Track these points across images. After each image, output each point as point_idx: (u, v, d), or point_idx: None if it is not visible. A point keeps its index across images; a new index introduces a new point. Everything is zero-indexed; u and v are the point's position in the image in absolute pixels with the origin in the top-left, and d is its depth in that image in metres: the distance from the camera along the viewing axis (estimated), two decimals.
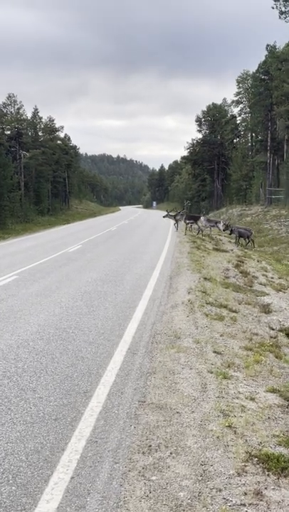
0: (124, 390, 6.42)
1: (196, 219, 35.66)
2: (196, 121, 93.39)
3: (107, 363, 7.40)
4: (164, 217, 39.54)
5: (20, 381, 6.67)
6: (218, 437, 5.21)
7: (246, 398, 6.33)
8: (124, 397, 6.19)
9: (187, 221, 35.51)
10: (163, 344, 8.41)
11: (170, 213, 39.46)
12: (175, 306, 11.37)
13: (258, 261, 25.05)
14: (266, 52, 62.26)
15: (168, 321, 9.97)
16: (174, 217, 38.51)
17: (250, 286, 16.95)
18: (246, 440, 5.20)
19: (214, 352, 8.02)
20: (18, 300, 11.95)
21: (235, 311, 11.82)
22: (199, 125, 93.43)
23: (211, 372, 7.05)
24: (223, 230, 34.33)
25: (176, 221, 37.39)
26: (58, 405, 5.92)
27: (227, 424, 5.48)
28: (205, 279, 15.32)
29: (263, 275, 20.07)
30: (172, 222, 37.82)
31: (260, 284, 17.99)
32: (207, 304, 11.83)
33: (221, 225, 35.93)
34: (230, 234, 33.72)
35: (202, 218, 36.44)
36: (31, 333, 9.00)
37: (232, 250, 26.97)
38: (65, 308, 11.03)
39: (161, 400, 6.08)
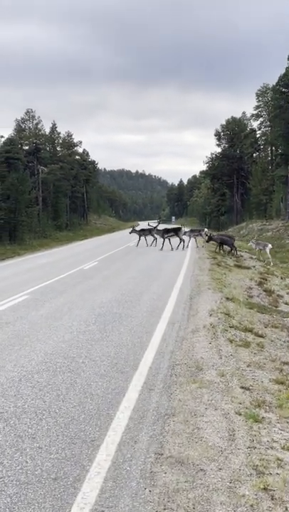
0: (138, 437, 5.47)
1: (176, 231, 34.58)
2: (215, 135, 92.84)
3: (119, 402, 6.46)
4: (130, 233, 38.01)
5: (18, 425, 5.75)
6: (252, 505, 4.24)
7: (282, 448, 5.35)
8: (137, 447, 5.25)
9: (166, 235, 34.19)
10: (183, 377, 7.46)
11: (135, 228, 38.27)
12: (196, 330, 10.42)
13: (281, 278, 24.05)
14: (286, 65, 61.42)
15: (188, 349, 9.02)
16: (143, 232, 36.80)
17: (276, 307, 15.97)
18: (286, 508, 4.23)
19: (241, 387, 7.05)
20: (26, 323, 11.08)
21: (261, 336, 10.84)
22: (218, 139, 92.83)
23: (239, 414, 6.08)
24: (207, 241, 33.95)
25: (155, 238, 35.57)
26: (59, 459, 4.99)
27: (262, 487, 4.51)
28: (227, 298, 14.37)
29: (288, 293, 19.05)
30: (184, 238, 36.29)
31: (286, 303, 17.01)
32: (231, 327, 10.87)
33: (203, 233, 35.74)
34: (207, 242, 33.72)
35: (183, 229, 35.70)
36: (36, 364, 8.10)
37: (254, 267, 25.97)
38: (76, 334, 10.13)
39: (182, 453, 5.12)
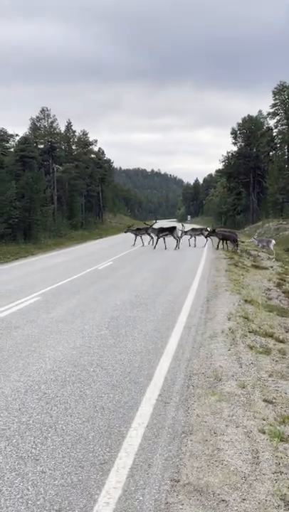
0: (152, 460, 4.95)
1: (171, 230, 34.19)
2: (232, 133, 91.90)
3: (132, 417, 5.95)
4: (125, 232, 37.98)
5: (20, 444, 5.26)
6: None
7: None
8: (151, 472, 4.73)
9: (160, 234, 33.89)
10: (201, 389, 6.93)
11: (131, 228, 38.10)
12: (214, 335, 9.88)
13: None
14: None
15: (206, 357, 8.49)
16: (138, 231, 36.60)
17: None
18: None
19: (264, 400, 6.51)
20: (35, 328, 10.61)
21: (282, 341, 10.26)
22: (234, 138, 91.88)
23: (263, 432, 5.55)
24: (207, 236, 34.65)
25: (152, 237, 34.92)
26: (64, 485, 4.49)
27: None
28: (245, 301, 13.80)
29: None
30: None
31: None
32: (250, 332, 10.31)
33: (206, 233, 35.75)
34: (208, 236, 34.81)
35: (178, 227, 35.39)
36: (44, 373, 7.61)
37: (271, 267, 25.32)
38: (87, 339, 9.63)
39: (201, 479, 4.59)
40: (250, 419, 5.91)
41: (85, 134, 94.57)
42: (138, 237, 35.80)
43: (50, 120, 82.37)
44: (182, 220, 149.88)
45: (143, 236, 35.84)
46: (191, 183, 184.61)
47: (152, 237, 34.83)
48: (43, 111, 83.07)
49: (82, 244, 40.72)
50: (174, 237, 33.45)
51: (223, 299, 14.01)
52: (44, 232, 56.00)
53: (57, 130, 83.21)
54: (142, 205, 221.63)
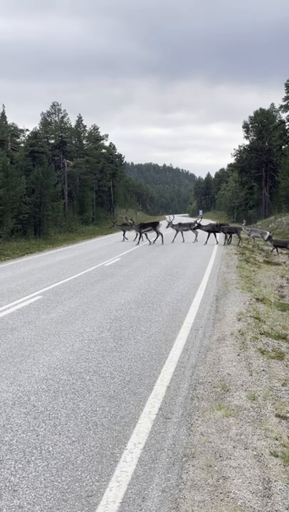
0: (147, 491, 4.29)
1: (154, 225, 33.61)
2: (243, 127, 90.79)
3: (128, 436, 5.30)
4: (110, 228, 37.60)
5: None
6: None
7: None
8: (145, 507, 4.07)
9: (142, 230, 33.44)
10: (207, 402, 6.26)
11: (117, 224, 37.69)
12: (222, 338, 9.21)
13: None
14: None
15: (213, 363, 7.82)
16: (125, 226, 36.64)
17: None
18: None
19: (277, 416, 5.83)
20: (33, 329, 9.99)
21: None
22: (246, 131, 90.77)
23: (276, 455, 4.87)
24: (194, 228, 34.13)
25: (137, 233, 34.37)
26: None
27: None
28: (257, 299, 13.12)
29: None
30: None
31: None
32: (262, 334, 9.62)
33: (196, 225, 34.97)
34: (194, 229, 34.24)
35: (161, 223, 34.91)
36: (36, 381, 6.97)
37: (284, 263, 24.56)
38: (86, 342, 8.99)
39: None
40: (260, 438, 5.24)
41: (95, 128, 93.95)
42: (138, 233, 35.26)
43: (60, 115, 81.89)
44: (194, 214, 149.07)
45: (130, 231, 35.42)
46: (203, 178, 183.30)
47: (137, 234, 34.41)
48: (53, 106, 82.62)
49: (92, 240, 40.08)
50: (157, 232, 33.19)
51: (233, 297, 13.34)
52: (55, 227, 55.59)
53: (67, 125, 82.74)
54: (154, 200, 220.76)
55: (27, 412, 5.91)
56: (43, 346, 8.74)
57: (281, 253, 28.82)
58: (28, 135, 69.28)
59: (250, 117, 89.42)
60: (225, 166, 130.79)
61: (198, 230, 34.42)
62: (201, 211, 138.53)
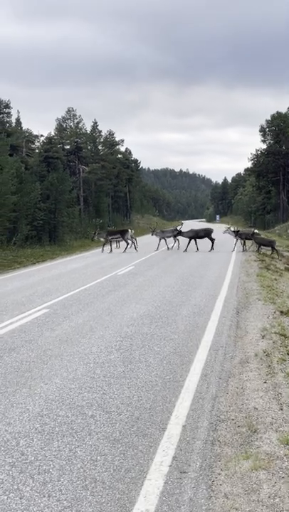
0: None
1: (122, 233, 33.25)
2: (260, 131, 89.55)
3: (133, 500, 4.24)
4: (92, 237, 37.75)
5: None
6: None
7: None
8: None
9: (110, 237, 33.19)
10: (230, 447, 5.19)
11: (99, 232, 37.58)
12: (245, 361, 8.14)
13: None
14: None
15: (236, 393, 6.74)
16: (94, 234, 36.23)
17: None
18: None
19: None
20: (34, 350, 8.98)
21: None
22: (263, 135, 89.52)
23: None
24: (175, 235, 33.11)
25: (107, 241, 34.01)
26: None
27: None
28: (281, 312, 12.02)
29: None
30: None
31: None
32: None
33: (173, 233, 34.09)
34: (175, 236, 33.06)
35: (130, 231, 34.28)
36: (29, 419, 5.94)
37: None
38: (92, 366, 7.96)
39: None
40: None
41: (111, 134, 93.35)
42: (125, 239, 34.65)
43: (76, 120, 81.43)
44: (211, 220, 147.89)
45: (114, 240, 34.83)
46: (220, 183, 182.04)
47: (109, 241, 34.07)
48: (68, 111, 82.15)
49: (107, 246, 39.00)
50: (125, 240, 32.98)
51: (255, 310, 12.26)
52: (70, 233, 54.83)
53: (83, 130, 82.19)
54: (171, 206, 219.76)
55: (13, 463, 4.89)
56: (42, 372, 7.72)
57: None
58: (43, 141, 68.76)
59: (267, 121, 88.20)
60: (241, 171, 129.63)
61: (178, 237, 33.59)
62: (218, 216, 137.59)
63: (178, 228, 33.14)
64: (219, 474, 4.65)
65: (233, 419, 5.86)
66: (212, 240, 31.32)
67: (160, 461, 4.88)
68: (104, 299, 14.12)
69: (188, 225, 35.55)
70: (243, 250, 30.37)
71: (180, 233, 32.55)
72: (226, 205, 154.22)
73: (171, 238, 33.72)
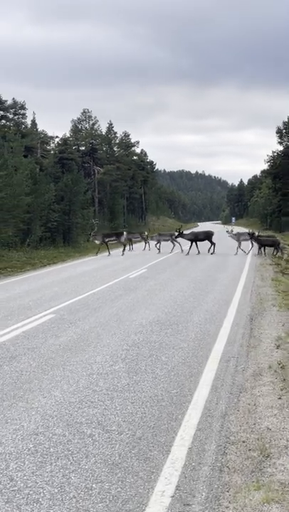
0: None
1: (118, 236, 33.14)
2: (277, 132, 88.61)
3: None
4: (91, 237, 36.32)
5: None
6: None
7: None
8: None
9: (106, 239, 32.73)
10: (240, 475, 4.70)
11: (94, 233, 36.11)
12: (259, 373, 7.64)
13: None
14: None
15: (248, 410, 6.25)
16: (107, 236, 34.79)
17: None
18: None
19: None
20: (35, 359, 8.55)
21: None
22: (280, 136, 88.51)
23: None
24: (176, 237, 32.90)
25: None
26: None
27: None
28: None
29: None
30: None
31: None
32: None
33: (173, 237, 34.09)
34: (176, 237, 32.80)
35: (125, 233, 33.97)
36: (23, 438, 5.48)
37: None
38: (95, 378, 7.50)
39: None
40: None
41: (126, 135, 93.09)
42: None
43: (91, 122, 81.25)
44: (227, 222, 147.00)
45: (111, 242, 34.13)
46: (236, 185, 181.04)
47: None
48: (84, 113, 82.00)
49: (120, 248, 38.55)
50: (121, 242, 32.77)
51: (270, 317, 11.75)
52: (84, 235, 54.45)
53: (98, 132, 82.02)
54: (186, 208, 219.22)
55: (0, 490, 4.44)
56: (41, 383, 7.27)
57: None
58: (58, 142, 68.59)
59: (284, 122, 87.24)
60: (258, 173, 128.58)
61: (179, 239, 33.15)
62: (233, 218, 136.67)
63: (181, 230, 32.61)
64: (227, 508, 4.17)
65: (243, 442, 5.37)
66: (212, 244, 30.78)
67: (162, 490, 4.40)
68: (114, 303, 13.67)
69: (206, 227, 34.73)
70: (258, 254, 29.74)
71: (181, 235, 32.08)
72: (242, 208, 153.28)
73: (169, 242, 33.66)
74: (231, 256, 28.64)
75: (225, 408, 6.30)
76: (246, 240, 30.53)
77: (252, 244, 30.48)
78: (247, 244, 31.02)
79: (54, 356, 8.66)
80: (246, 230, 33.34)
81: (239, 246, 30.57)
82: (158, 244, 33.38)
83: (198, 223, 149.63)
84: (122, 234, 33.27)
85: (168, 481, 4.56)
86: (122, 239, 32.57)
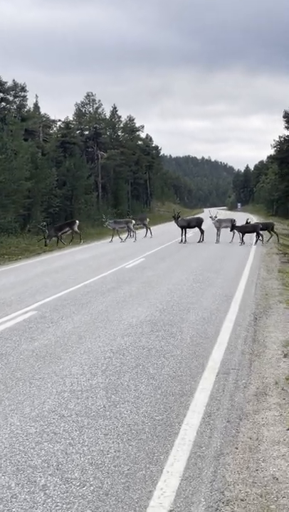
0: None
1: (70, 224, 31.52)
2: (284, 117, 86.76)
3: None
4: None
5: None
6: None
7: None
8: None
9: (59, 233, 31.00)
10: None
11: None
12: (263, 392, 6.35)
13: None
14: None
15: (249, 448, 4.96)
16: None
17: None
18: None
19: None
20: (0, 369, 7.27)
21: None
22: (287, 121, 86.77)
23: None
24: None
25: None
26: None
27: None
28: None
29: None
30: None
31: None
32: None
33: (146, 222, 34.11)
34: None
35: (77, 222, 32.48)
36: None
37: None
38: (66, 397, 6.20)
39: None
40: None
41: (131, 119, 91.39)
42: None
43: (95, 106, 79.68)
44: (232, 208, 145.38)
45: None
46: (242, 171, 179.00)
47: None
48: (88, 96, 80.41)
49: (123, 235, 37.10)
50: (74, 231, 31.33)
51: (276, 316, 10.47)
52: (87, 220, 53.10)
53: (102, 116, 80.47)
54: (192, 193, 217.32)
55: None
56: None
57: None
58: (60, 125, 67.10)
59: None
60: (264, 159, 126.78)
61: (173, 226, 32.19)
62: (239, 204, 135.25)
63: (179, 215, 31.23)
64: None
65: (242, 500, 4.08)
66: (201, 231, 29.47)
67: None
68: (104, 298, 12.40)
69: (211, 212, 32.96)
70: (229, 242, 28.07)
71: (176, 220, 30.72)
72: (248, 193, 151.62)
73: (125, 229, 33.20)
74: (235, 245, 27.23)
75: (220, 445, 5.00)
76: (227, 227, 28.96)
77: (233, 232, 28.78)
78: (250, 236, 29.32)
79: (23, 366, 7.38)
80: (230, 217, 31.57)
81: (218, 233, 29.12)
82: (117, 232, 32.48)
83: (204, 209, 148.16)
84: (74, 222, 31.81)
85: None
86: (74, 226, 31.04)
